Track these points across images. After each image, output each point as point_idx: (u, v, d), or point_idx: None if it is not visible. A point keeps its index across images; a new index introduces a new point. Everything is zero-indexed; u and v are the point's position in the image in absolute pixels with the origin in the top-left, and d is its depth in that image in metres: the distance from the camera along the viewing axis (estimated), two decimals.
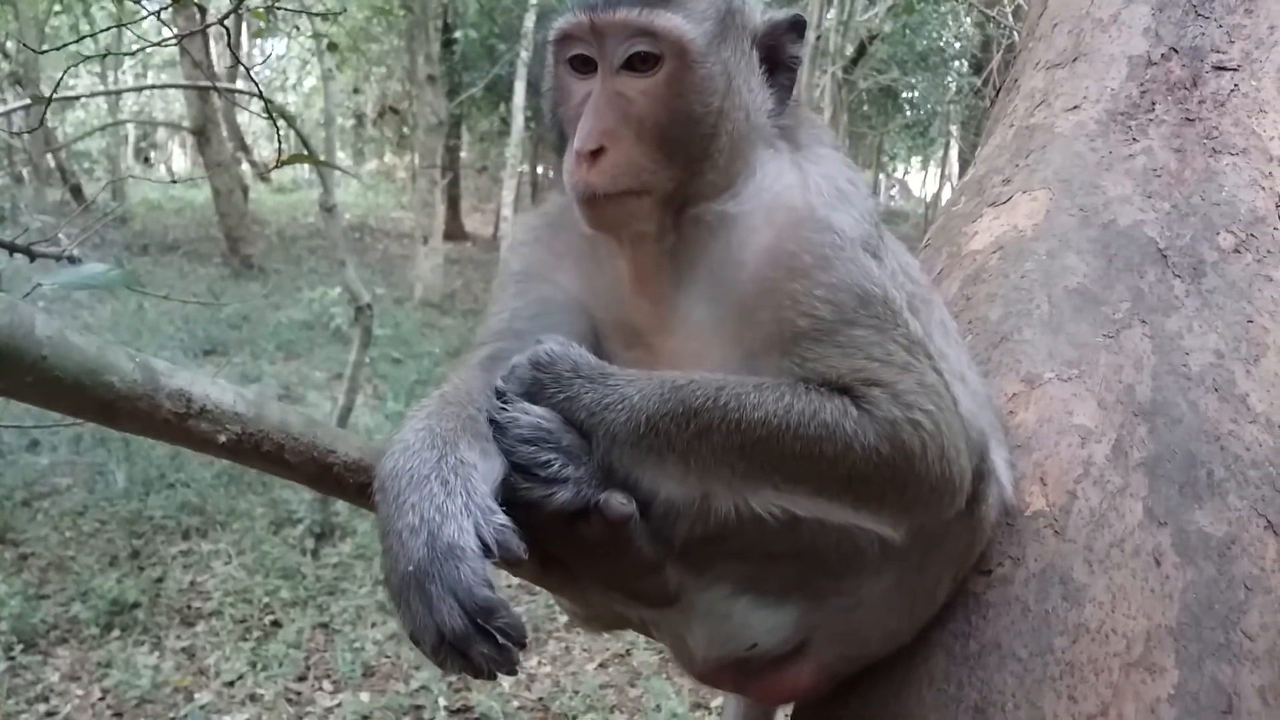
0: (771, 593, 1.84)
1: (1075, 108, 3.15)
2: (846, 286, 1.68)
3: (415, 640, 1.43)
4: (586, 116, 1.70)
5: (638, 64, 1.70)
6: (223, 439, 1.42)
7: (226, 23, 3.43)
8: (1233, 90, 3.06)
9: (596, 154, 1.68)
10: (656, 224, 1.77)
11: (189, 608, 7.95)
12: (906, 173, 52.51)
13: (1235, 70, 3.10)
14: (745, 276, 1.73)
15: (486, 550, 1.43)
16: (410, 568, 1.41)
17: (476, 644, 1.40)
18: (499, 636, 1.41)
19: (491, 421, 1.62)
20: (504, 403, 1.63)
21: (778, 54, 1.78)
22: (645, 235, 1.79)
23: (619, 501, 1.61)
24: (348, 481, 1.56)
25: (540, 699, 7.14)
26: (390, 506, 1.47)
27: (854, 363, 1.65)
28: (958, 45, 27.09)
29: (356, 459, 1.56)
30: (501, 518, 1.47)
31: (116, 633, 7.51)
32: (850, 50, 23.96)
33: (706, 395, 1.60)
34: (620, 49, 1.71)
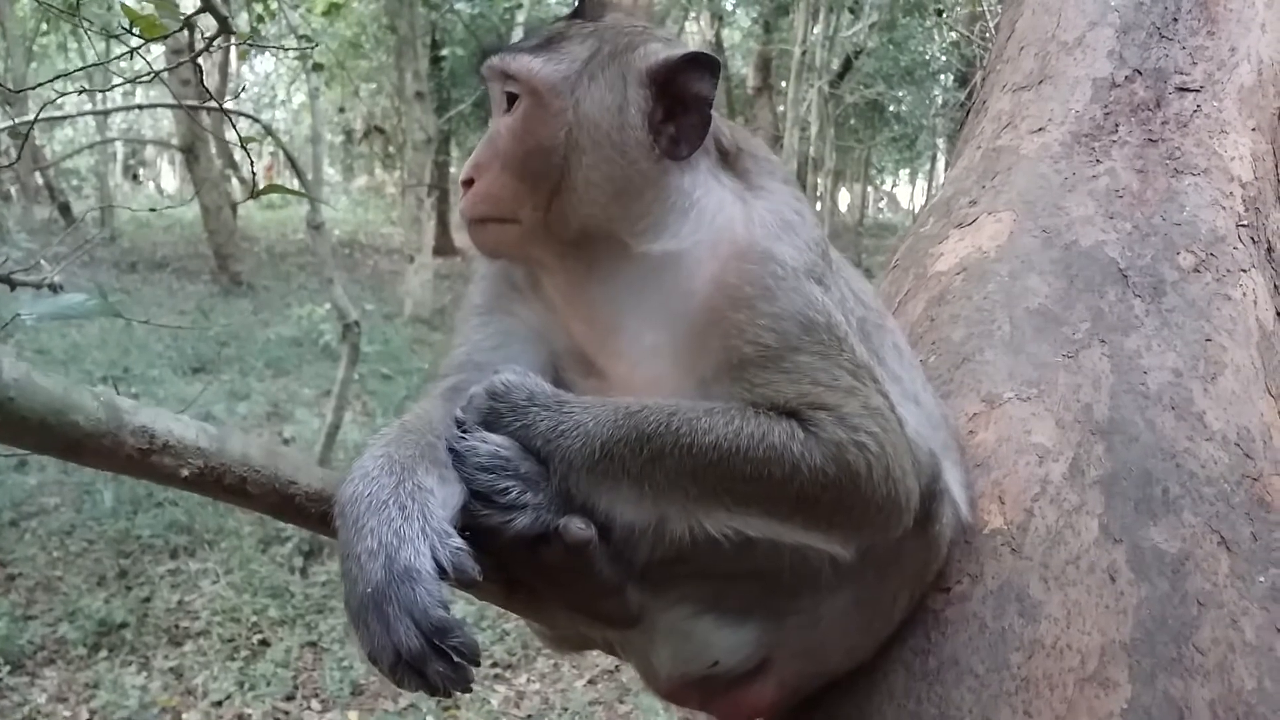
0: (732, 612, 1.88)
1: (1040, 130, 3.21)
2: (789, 315, 1.74)
3: (373, 660, 1.48)
4: (474, 151, 1.87)
5: (508, 104, 1.85)
6: (185, 473, 1.46)
7: (213, 45, 3.48)
8: (1195, 111, 3.12)
9: (469, 184, 1.85)
10: (553, 254, 1.86)
11: (177, 627, 7.94)
12: (895, 185, 52.79)
13: (1198, 91, 3.16)
14: (694, 306, 1.79)
15: (442, 572, 1.49)
16: (368, 590, 1.46)
17: (432, 663, 1.45)
18: (454, 655, 1.46)
19: (451, 450, 1.67)
20: (463, 432, 1.68)
21: (677, 91, 1.79)
22: (546, 263, 1.89)
23: (577, 526, 1.65)
24: (310, 511, 1.60)
25: (529, 716, 7.15)
26: (349, 531, 1.52)
27: (800, 387, 1.71)
28: (943, 59, 27.27)
29: (318, 489, 1.61)
30: (457, 541, 1.53)
31: (104, 653, 7.50)
32: (836, 65, 24.12)
33: (659, 421, 1.66)
34: (500, 91, 1.87)
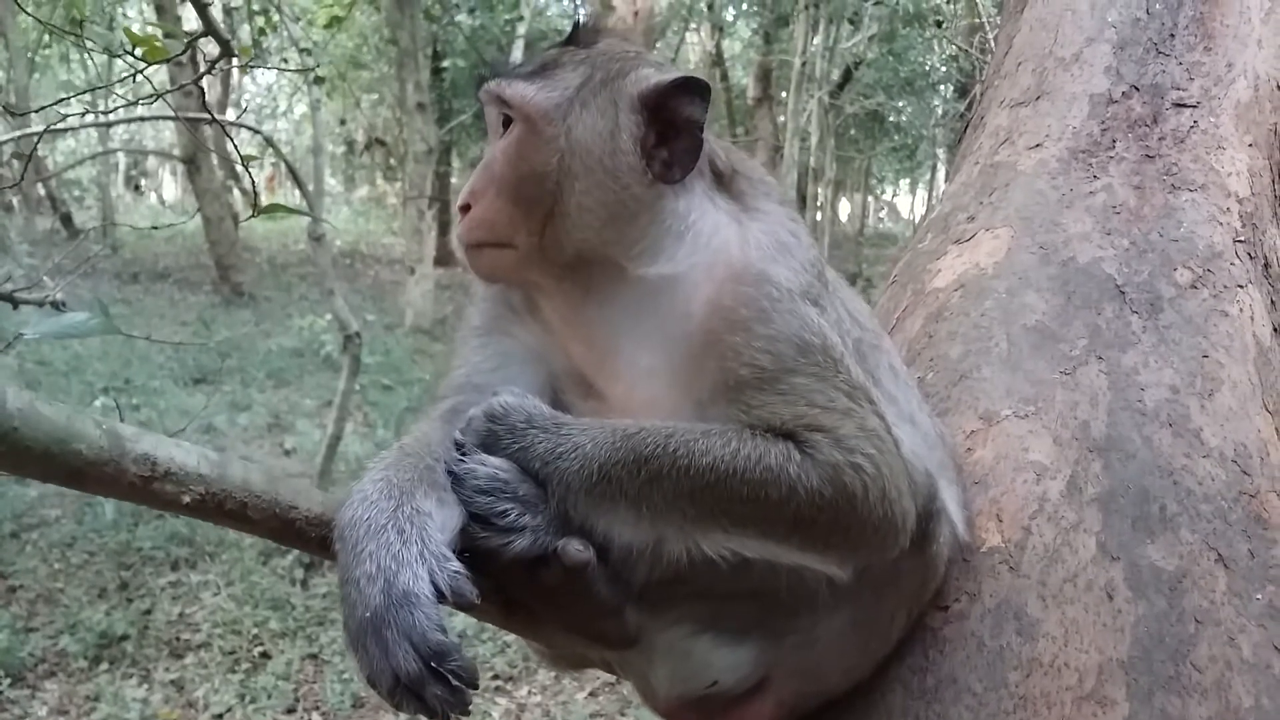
0: (730, 631, 1.89)
1: (1038, 145, 3.23)
2: (785, 337, 1.75)
3: (372, 683, 1.49)
4: (471, 177, 1.89)
5: (504, 128, 1.88)
6: (187, 499, 1.48)
7: (215, 67, 3.49)
8: (1192, 127, 3.13)
9: (466, 209, 1.86)
10: (550, 277, 1.88)
11: (178, 639, 7.94)
12: (895, 195, 52.86)
13: (1195, 107, 3.17)
14: (692, 329, 1.80)
15: (441, 596, 1.50)
16: (367, 614, 1.48)
17: (430, 686, 1.47)
18: (452, 678, 1.48)
19: (450, 473, 1.68)
20: (462, 454, 1.69)
21: (669, 115, 1.82)
22: (543, 287, 1.91)
23: (576, 548, 1.67)
24: (310, 535, 1.61)
25: None
26: (348, 555, 1.54)
27: (797, 409, 1.72)
28: (942, 70, 27.32)
29: (318, 513, 1.62)
30: (455, 564, 1.54)
31: (105, 665, 7.50)
32: (836, 76, 24.16)
33: (656, 443, 1.67)
34: (496, 115, 1.90)
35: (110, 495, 1.46)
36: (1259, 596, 2.12)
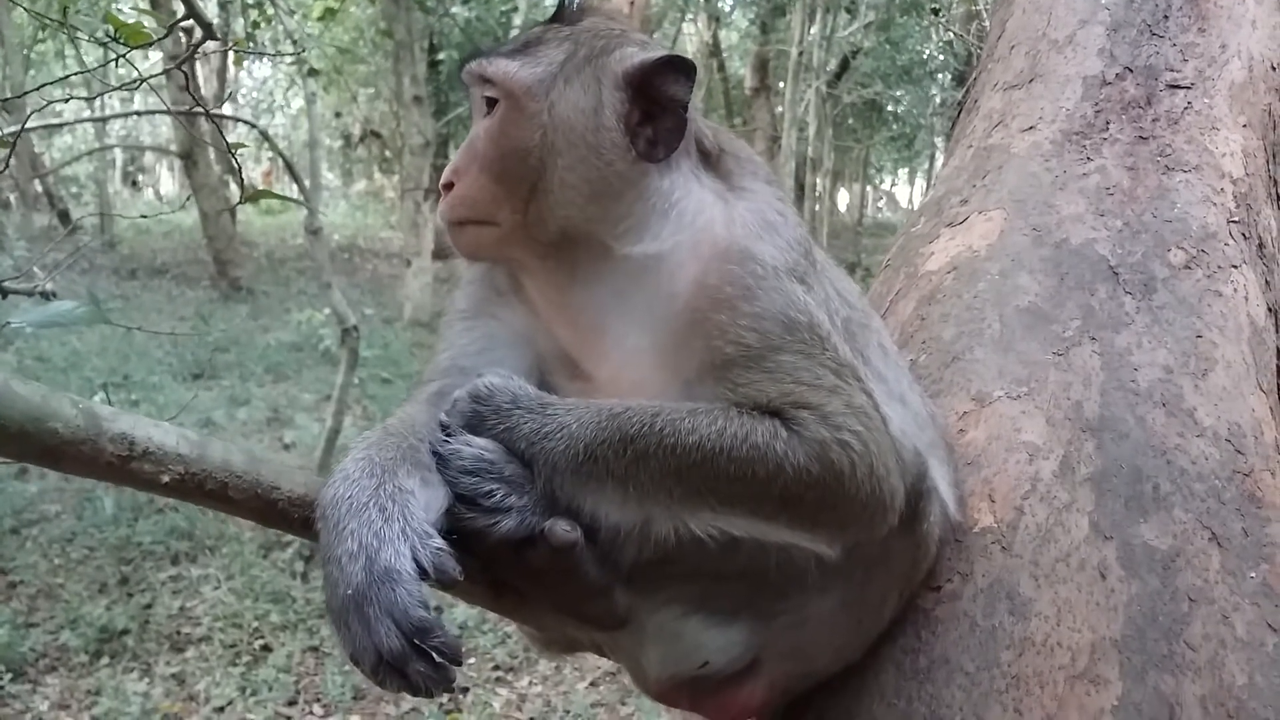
0: (721, 612, 1.89)
1: (1031, 128, 3.22)
2: (771, 315, 1.75)
3: (355, 661, 1.48)
4: (455, 156, 1.89)
5: (488, 108, 1.87)
6: (166, 479, 1.47)
7: (202, 51, 3.49)
8: (1186, 108, 3.12)
9: (449, 187, 1.86)
10: (534, 256, 1.87)
11: (178, 633, 7.94)
12: (893, 184, 52.80)
13: (1189, 88, 3.16)
14: (677, 308, 1.79)
15: (423, 573, 1.49)
16: (349, 591, 1.47)
17: (413, 663, 1.46)
18: (435, 655, 1.47)
19: (435, 454, 1.67)
20: (447, 435, 1.69)
21: (654, 94, 1.80)
22: (528, 266, 1.90)
23: (563, 528, 1.66)
24: (293, 516, 1.60)
25: (531, 719, 7.15)
26: (330, 533, 1.53)
27: (783, 387, 1.72)
28: (940, 59, 27.28)
29: (301, 494, 1.61)
30: (438, 541, 1.53)
31: (106, 660, 7.50)
32: (833, 65, 24.14)
33: (643, 422, 1.66)
34: (480, 96, 1.89)
35: (88, 475, 1.46)
36: (1253, 575, 2.12)
